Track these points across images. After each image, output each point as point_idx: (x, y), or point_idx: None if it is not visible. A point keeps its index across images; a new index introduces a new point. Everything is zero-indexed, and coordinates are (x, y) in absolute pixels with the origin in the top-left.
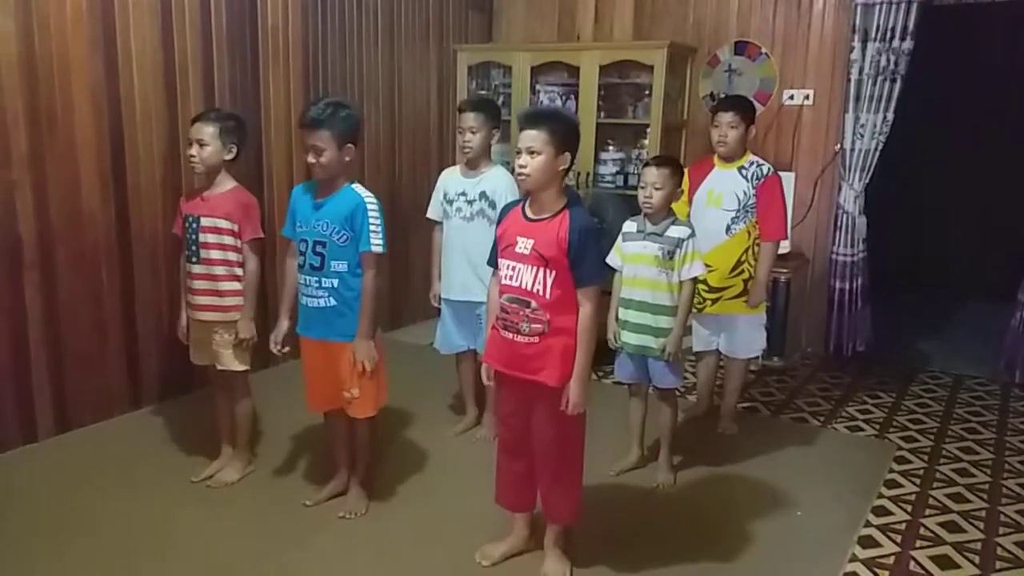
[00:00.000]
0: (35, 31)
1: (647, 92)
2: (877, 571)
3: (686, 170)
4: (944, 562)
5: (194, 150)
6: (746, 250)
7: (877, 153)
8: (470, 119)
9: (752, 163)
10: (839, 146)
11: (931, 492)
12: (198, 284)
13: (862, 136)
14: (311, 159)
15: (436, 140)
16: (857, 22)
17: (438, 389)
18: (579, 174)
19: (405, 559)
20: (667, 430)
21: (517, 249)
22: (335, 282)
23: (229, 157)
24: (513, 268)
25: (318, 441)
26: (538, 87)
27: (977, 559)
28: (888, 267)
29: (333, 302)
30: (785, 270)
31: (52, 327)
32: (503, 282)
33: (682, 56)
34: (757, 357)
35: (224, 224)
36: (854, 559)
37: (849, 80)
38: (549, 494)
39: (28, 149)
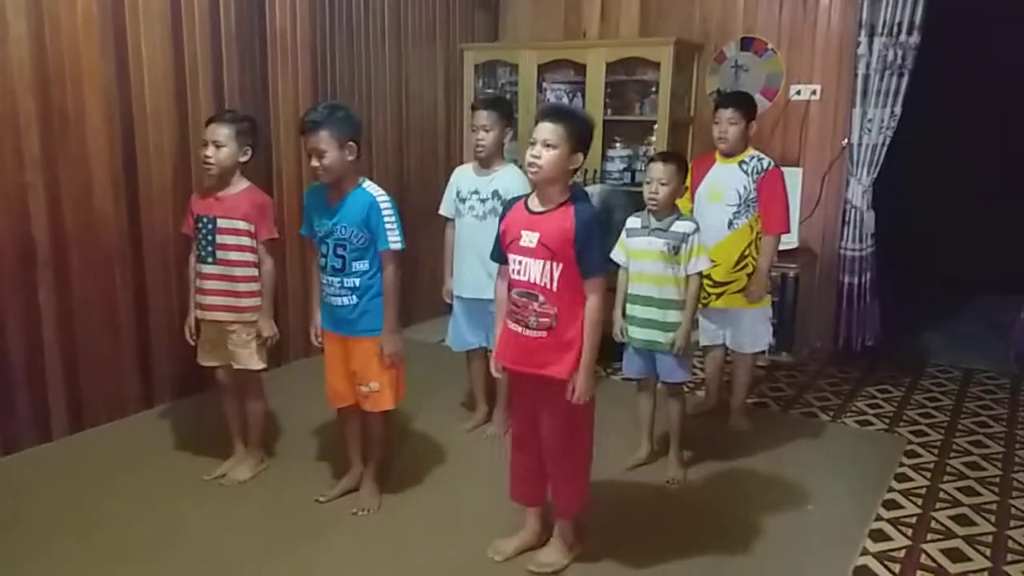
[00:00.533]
0: (47, 34)
1: (654, 89)
2: (888, 564)
3: (690, 165)
4: (955, 555)
5: (209, 151)
6: (749, 244)
7: (885, 148)
8: (483, 117)
9: (752, 157)
10: (847, 141)
11: (941, 485)
12: (212, 284)
13: (870, 131)
14: (314, 163)
15: (443, 139)
16: (864, 16)
17: (448, 386)
18: (587, 171)
19: (418, 555)
20: (676, 425)
21: (522, 243)
22: (356, 281)
23: (244, 159)
24: (520, 262)
25: (331, 438)
26: (545, 85)
27: (988, 552)
28: (897, 261)
29: (355, 300)
30: (794, 265)
31: (66, 328)
32: (512, 276)
33: (688, 52)
34: (764, 352)
35: (242, 225)
36: (865, 552)
37: (856, 75)
38: (557, 487)
39: (41, 152)
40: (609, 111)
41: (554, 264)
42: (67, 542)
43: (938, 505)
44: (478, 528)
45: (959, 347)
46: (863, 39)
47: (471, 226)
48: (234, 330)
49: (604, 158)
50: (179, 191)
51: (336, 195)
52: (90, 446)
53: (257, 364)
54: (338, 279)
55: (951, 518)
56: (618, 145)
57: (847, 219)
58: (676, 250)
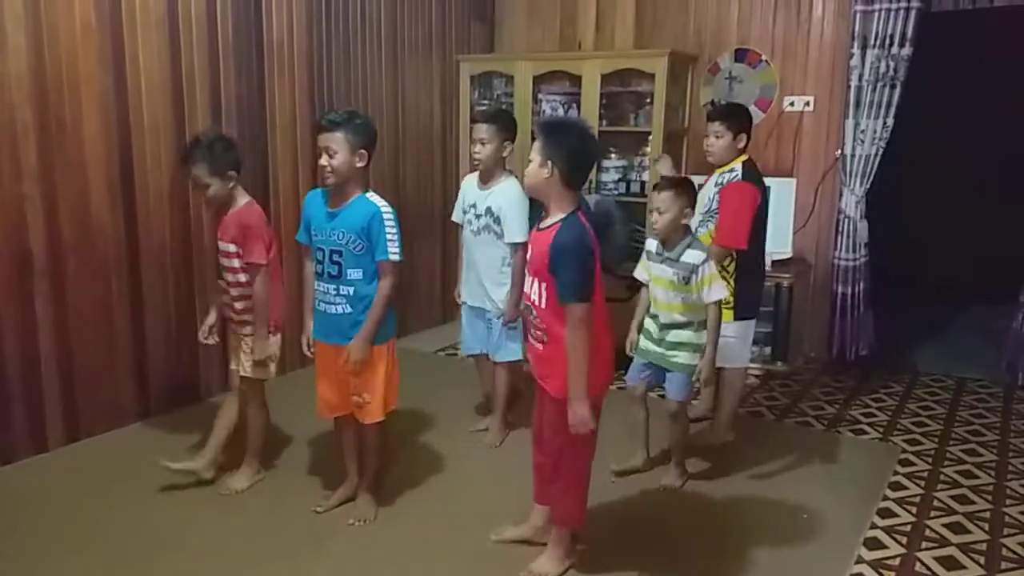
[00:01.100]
0: (45, 45)
1: (648, 100)
2: (883, 572)
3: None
4: (950, 563)
5: (324, 160)
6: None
7: (878, 158)
8: (481, 131)
9: (731, 170)
10: (840, 152)
11: (936, 494)
12: (227, 297)
13: (863, 142)
14: (323, 161)
15: (439, 150)
16: (856, 29)
17: (444, 396)
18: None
19: (414, 565)
20: (678, 438)
21: (528, 257)
22: (351, 290)
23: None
24: (526, 276)
25: (328, 448)
26: (540, 96)
27: (983, 560)
28: (890, 271)
29: (349, 309)
30: (788, 275)
31: (62, 338)
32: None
33: (683, 64)
34: (745, 369)
35: (232, 248)
36: (860, 561)
37: (849, 86)
38: (554, 495)
39: (38, 161)
40: (604, 122)
41: (540, 283)
42: (65, 552)
43: (932, 513)
44: (474, 538)
45: (952, 356)
46: (856, 51)
47: (469, 239)
48: (244, 339)
49: (599, 169)
50: (176, 200)
51: (338, 200)
52: (86, 456)
53: (245, 371)
54: (333, 286)
55: (945, 526)
56: (613, 156)
57: (840, 229)
58: (686, 280)
